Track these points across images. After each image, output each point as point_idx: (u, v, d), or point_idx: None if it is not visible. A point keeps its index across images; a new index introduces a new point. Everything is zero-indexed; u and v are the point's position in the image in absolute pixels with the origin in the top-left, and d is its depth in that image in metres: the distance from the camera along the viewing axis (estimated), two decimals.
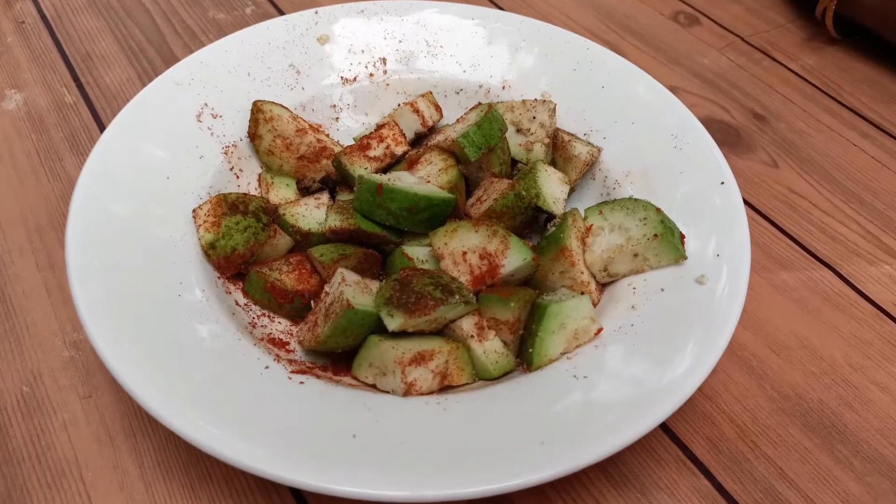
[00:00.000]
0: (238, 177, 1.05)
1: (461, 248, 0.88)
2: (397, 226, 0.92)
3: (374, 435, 0.72)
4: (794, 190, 1.27)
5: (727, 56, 1.45)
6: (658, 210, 0.91)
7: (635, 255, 0.93)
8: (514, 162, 1.06)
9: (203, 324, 0.82)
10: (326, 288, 0.93)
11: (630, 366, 0.79)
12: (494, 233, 0.88)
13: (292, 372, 0.84)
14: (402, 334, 0.82)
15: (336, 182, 1.04)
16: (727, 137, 1.29)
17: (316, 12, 1.18)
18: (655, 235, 0.91)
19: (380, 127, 1.05)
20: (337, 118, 1.17)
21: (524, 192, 0.96)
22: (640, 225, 0.91)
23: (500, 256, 0.91)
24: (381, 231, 0.93)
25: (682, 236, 0.91)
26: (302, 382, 0.84)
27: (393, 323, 0.85)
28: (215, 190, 1.00)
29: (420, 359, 0.85)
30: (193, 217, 0.94)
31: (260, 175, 1.06)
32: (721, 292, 0.84)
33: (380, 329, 0.82)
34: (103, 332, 0.76)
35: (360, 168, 1.00)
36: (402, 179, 1.00)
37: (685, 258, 0.89)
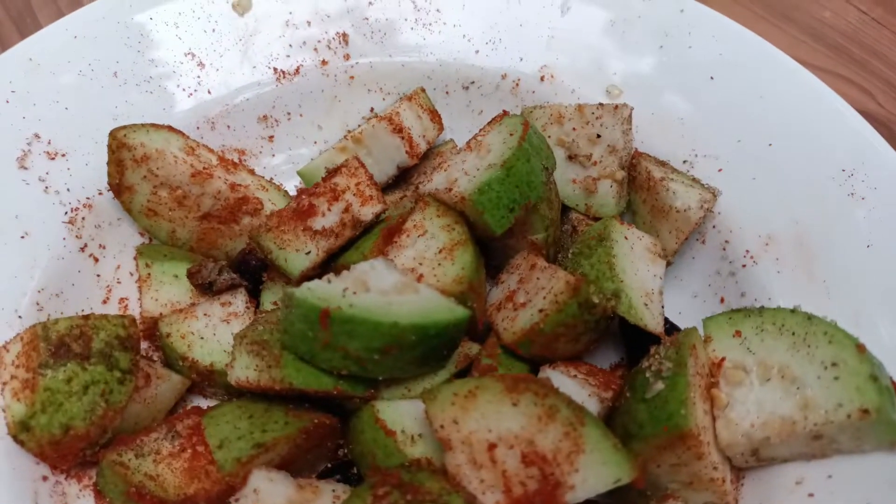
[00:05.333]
0: (97, 260, 0.73)
1: (486, 436, 0.49)
2: (363, 374, 0.56)
3: None
4: None
5: (857, 6, 1.11)
6: (860, 348, 0.54)
7: (816, 438, 0.49)
8: (563, 208, 0.75)
9: None
10: None
11: None
12: (552, 412, 0.49)
13: None
14: None
15: (264, 263, 0.59)
16: None
17: None
18: (865, 411, 0.47)
19: (332, 173, 0.59)
20: (271, 137, 0.82)
21: (594, 298, 0.54)
22: (826, 378, 0.54)
23: (563, 465, 0.48)
24: (332, 387, 0.53)
25: None
26: None
27: None
28: (48, 295, 0.66)
29: None
30: None
31: (137, 255, 0.65)
32: None
33: None
34: None
35: (298, 253, 0.58)
36: (370, 286, 0.54)
37: None
